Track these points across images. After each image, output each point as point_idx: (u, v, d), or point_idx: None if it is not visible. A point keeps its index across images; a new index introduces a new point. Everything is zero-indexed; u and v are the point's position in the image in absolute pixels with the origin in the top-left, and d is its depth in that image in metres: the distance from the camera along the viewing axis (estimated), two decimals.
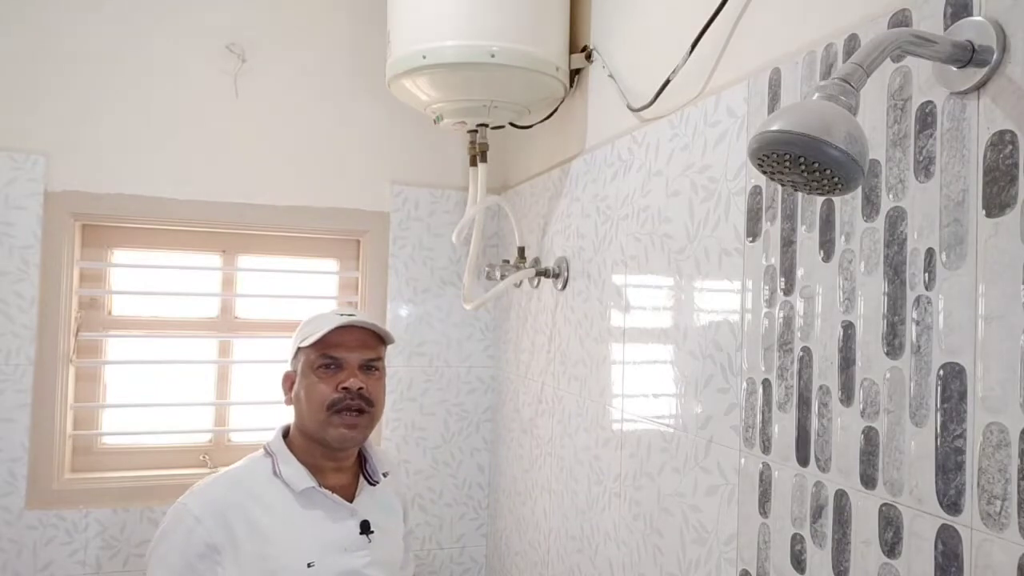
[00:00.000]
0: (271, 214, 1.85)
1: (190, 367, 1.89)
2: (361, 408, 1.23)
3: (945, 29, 0.66)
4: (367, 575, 1.23)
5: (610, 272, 1.31)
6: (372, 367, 1.27)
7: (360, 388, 1.22)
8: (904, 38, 0.61)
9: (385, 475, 1.32)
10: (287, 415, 1.29)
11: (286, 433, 1.29)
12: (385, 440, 1.91)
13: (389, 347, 1.33)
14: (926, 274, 0.68)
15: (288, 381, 1.30)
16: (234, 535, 1.15)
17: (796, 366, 0.84)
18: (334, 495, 1.23)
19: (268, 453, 1.25)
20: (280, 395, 1.30)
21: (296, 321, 1.94)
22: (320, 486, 1.21)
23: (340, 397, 1.21)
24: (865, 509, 0.73)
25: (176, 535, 1.16)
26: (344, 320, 1.25)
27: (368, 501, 1.28)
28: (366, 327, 1.27)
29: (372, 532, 1.25)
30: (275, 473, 1.22)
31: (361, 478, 1.30)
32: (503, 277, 1.61)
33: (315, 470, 1.23)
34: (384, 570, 1.27)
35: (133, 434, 1.84)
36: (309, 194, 1.88)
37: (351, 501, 1.25)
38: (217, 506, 1.17)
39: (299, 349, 1.26)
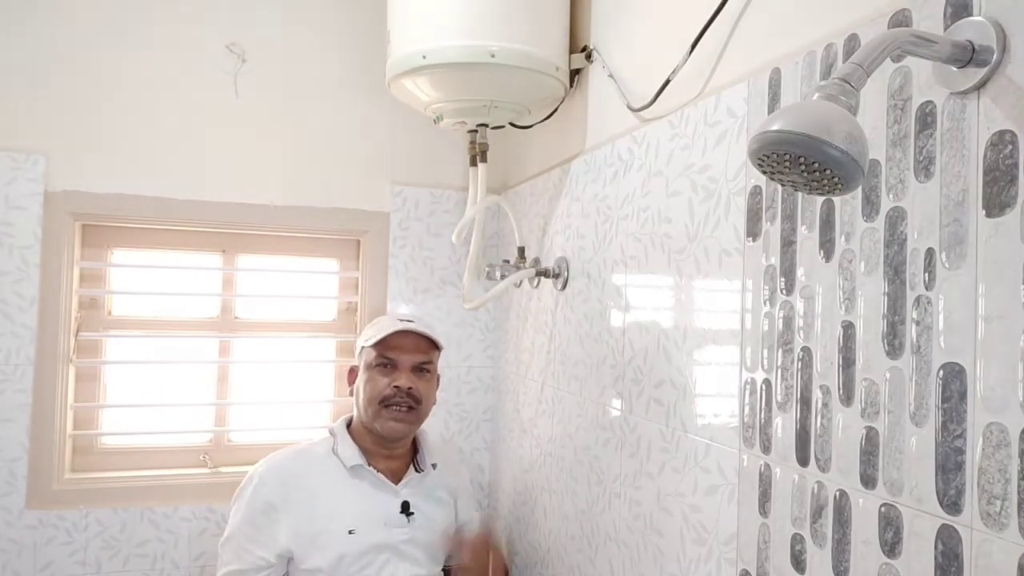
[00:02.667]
0: (271, 214, 1.85)
1: (190, 367, 1.89)
2: (410, 405, 1.39)
3: (945, 29, 0.66)
4: (403, 551, 1.38)
5: (610, 272, 1.31)
6: (424, 369, 1.44)
7: (410, 388, 1.39)
8: (904, 38, 0.61)
9: (434, 466, 1.47)
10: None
11: (350, 422, 1.48)
12: None
13: None
14: (926, 274, 0.68)
15: (351, 375, 1.50)
16: (289, 497, 1.35)
17: (796, 366, 0.84)
18: (380, 474, 1.40)
19: (331, 434, 1.45)
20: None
21: (296, 322, 1.97)
22: (368, 465, 1.40)
23: (392, 393, 1.39)
24: (865, 509, 0.73)
25: (245, 493, 1.37)
26: (403, 326, 1.42)
27: (414, 486, 1.44)
28: (421, 333, 1.43)
29: (412, 513, 1.40)
30: (333, 451, 1.41)
31: (411, 466, 1.47)
32: (503, 277, 1.61)
33: (368, 454, 1.41)
34: (422, 550, 1.40)
35: (133, 434, 1.84)
36: (309, 194, 1.88)
37: (398, 484, 1.42)
38: (279, 472, 1.38)
39: (362, 348, 1.44)
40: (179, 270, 1.88)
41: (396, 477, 1.43)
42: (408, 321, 1.44)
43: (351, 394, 1.46)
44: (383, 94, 1.64)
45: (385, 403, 1.38)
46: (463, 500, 1.56)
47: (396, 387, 1.38)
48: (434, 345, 1.46)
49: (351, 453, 1.39)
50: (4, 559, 1.64)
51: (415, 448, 1.49)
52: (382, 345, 1.40)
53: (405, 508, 1.39)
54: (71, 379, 1.76)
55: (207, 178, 1.80)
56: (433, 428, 1.94)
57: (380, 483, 1.40)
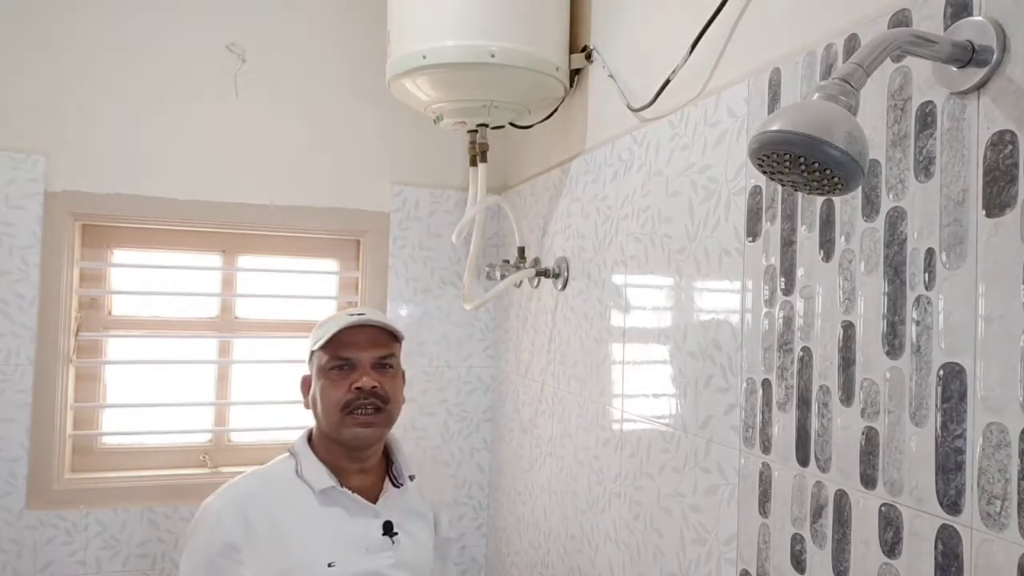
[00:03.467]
0: (271, 214, 1.85)
1: (190, 367, 1.89)
2: (376, 406, 1.22)
3: (945, 29, 0.66)
4: None
5: (610, 272, 1.31)
6: (386, 364, 1.26)
7: (373, 387, 1.21)
8: (904, 38, 0.61)
9: (411, 478, 1.30)
10: (304, 418, 1.33)
11: (311, 436, 1.29)
12: None
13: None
14: (926, 274, 0.68)
15: (305, 385, 1.30)
16: (254, 533, 1.16)
17: (796, 366, 0.84)
18: (355, 495, 1.22)
19: (292, 454, 1.26)
20: (297, 397, 1.32)
21: (296, 322, 1.97)
22: (341, 486, 1.21)
23: (353, 397, 1.21)
24: (865, 509, 0.73)
25: (200, 534, 1.18)
26: (352, 320, 1.24)
27: (393, 503, 1.26)
28: (376, 325, 1.26)
29: (396, 533, 1.23)
30: (297, 473, 1.22)
31: (386, 480, 1.28)
32: (503, 277, 1.61)
33: (338, 471, 1.23)
34: (410, 572, 1.25)
35: (133, 434, 1.84)
36: (309, 194, 1.88)
37: (375, 503, 1.24)
38: (238, 505, 1.18)
39: (312, 352, 1.26)
40: (179, 270, 1.88)
41: (372, 495, 1.25)
42: (359, 314, 1.26)
43: (308, 406, 1.29)
44: (383, 94, 1.64)
45: (348, 409, 1.21)
46: (445, 516, 1.41)
47: (358, 388, 1.21)
48: (393, 336, 1.28)
49: (319, 474, 1.21)
50: (4, 559, 1.64)
51: (388, 459, 1.31)
52: (334, 345, 1.22)
53: (388, 529, 1.23)
54: (71, 379, 1.76)
55: (207, 178, 1.80)
56: (433, 428, 1.95)
57: (356, 505, 1.22)
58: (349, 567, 1.18)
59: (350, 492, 1.22)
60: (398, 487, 1.27)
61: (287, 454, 1.27)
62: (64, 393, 1.72)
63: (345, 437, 1.21)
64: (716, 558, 0.97)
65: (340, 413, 1.21)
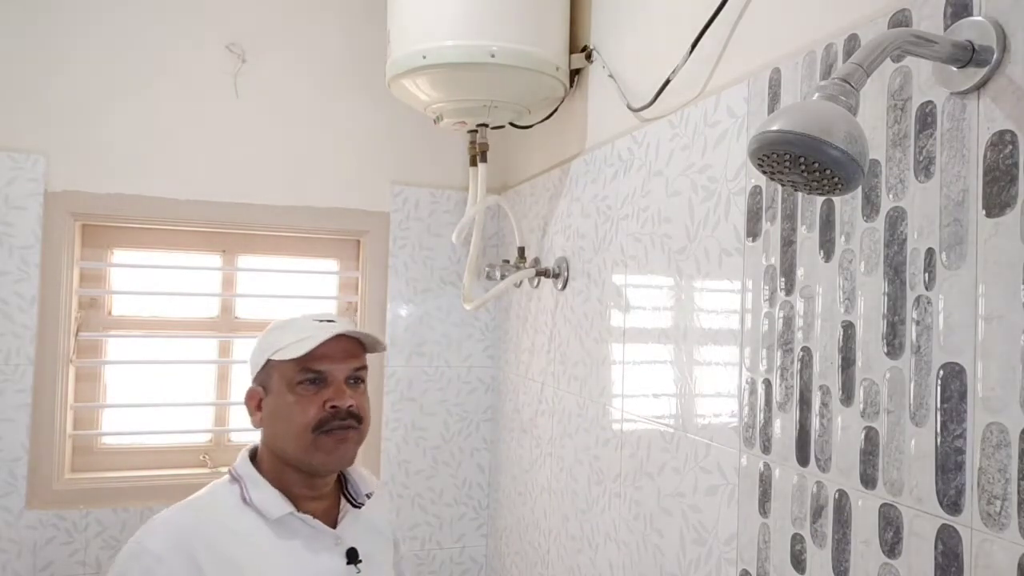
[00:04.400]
0: (271, 214, 1.85)
1: (190, 367, 1.89)
2: (350, 426, 1.08)
3: (945, 29, 0.66)
4: None
5: (610, 272, 1.31)
6: (359, 379, 1.12)
7: (350, 405, 1.07)
8: (904, 38, 0.61)
9: (369, 496, 1.16)
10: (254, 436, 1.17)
11: (254, 455, 1.13)
12: (385, 440, 1.91)
13: (389, 347, 1.27)
14: (926, 274, 0.68)
15: (255, 400, 1.12)
16: (200, 574, 0.99)
17: (796, 366, 0.84)
18: (316, 521, 1.07)
19: (235, 478, 1.09)
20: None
21: None
22: (299, 511, 1.06)
23: (328, 416, 1.06)
24: (865, 509, 0.73)
25: None
26: (332, 328, 1.09)
27: (353, 526, 1.12)
28: (352, 335, 1.12)
29: (360, 561, 1.10)
30: (245, 500, 1.06)
31: (343, 501, 1.15)
32: (503, 277, 1.61)
33: (294, 498, 1.07)
34: None
35: (133, 434, 1.84)
36: (309, 194, 1.88)
37: (334, 527, 1.10)
38: (180, 542, 1.01)
39: (269, 362, 1.09)
40: (179, 270, 1.88)
41: (330, 518, 1.11)
42: (327, 320, 1.12)
43: (258, 424, 1.12)
44: (383, 94, 1.64)
45: (322, 429, 1.06)
46: (398, 536, 1.29)
47: (334, 408, 1.06)
48: (363, 347, 1.15)
49: (271, 499, 1.05)
50: (4, 559, 1.64)
51: (342, 478, 1.16)
52: (308, 357, 1.06)
53: (352, 557, 1.09)
54: (71, 379, 1.76)
55: (207, 178, 1.80)
56: (433, 428, 1.95)
57: (316, 533, 1.07)
58: None
59: (309, 518, 1.07)
60: (357, 507, 1.14)
61: (226, 478, 1.10)
62: (64, 393, 1.72)
63: (315, 462, 1.06)
64: (716, 558, 0.97)
65: (312, 434, 1.05)
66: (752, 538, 0.90)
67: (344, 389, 1.09)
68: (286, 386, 1.07)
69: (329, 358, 1.08)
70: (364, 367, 1.14)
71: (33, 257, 1.67)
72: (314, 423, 1.06)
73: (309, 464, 1.06)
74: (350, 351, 1.12)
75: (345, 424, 1.07)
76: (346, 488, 1.16)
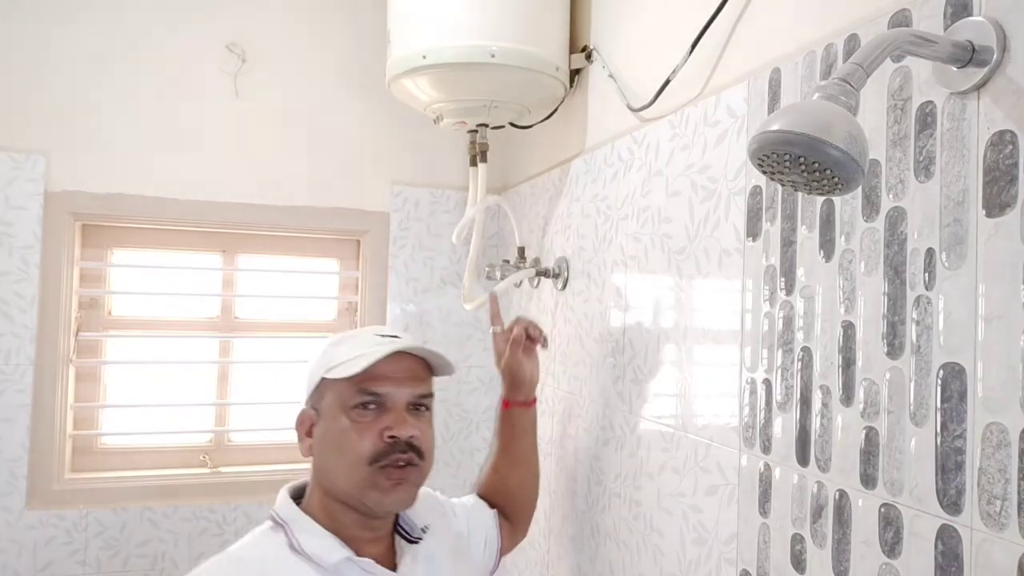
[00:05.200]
0: (271, 214, 1.85)
1: (190, 367, 1.89)
2: (411, 461, 0.94)
3: (945, 29, 0.66)
4: None
5: (610, 272, 1.31)
6: (422, 406, 0.99)
7: (411, 436, 0.94)
8: (904, 38, 0.61)
9: (425, 530, 1.03)
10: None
11: (297, 495, 1.00)
12: None
13: None
14: (926, 274, 0.68)
15: (306, 424, 0.99)
16: None
17: (796, 366, 0.84)
18: (378, 567, 0.94)
19: (278, 523, 0.96)
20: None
21: (296, 322, 1.97)
22: (357, 555, 0.93)
23: (386, 448, 0.93)
24: (865, 509, 0.73)
25: None
26: (394, 344, 0.95)
27: (414, 566, 0.98)
28: (417, 354, 0.98)
29: None
30: (294, 548, 0.92)
31: (397, 538, 1.01)
32: (503, 277, 1.61)
33: (350, 540, 0.94)
34: None
35: (133, 434, 1.84)
36: (309, 194, 1.88)
37: (395, 570, 0.97)
38: None
39: (323, 380, 0.96)
40: (179, 270, 1.88)
41: (387, 560, 0.98)
42: (391, 336, 0.99)
43: (307, 452, 0.99)
44: (383, 94, 1.64)
45: (379, 464, 0.92)
46: (475, 527, 1.18)
47: (393, 438, 0.93)
48: (430, 369, 1.02)
49: (325, 545, 0.92)
50: (4, 559, 1.64)
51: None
52: (364, 376, 0.93)
53: None
54: (71, 379, 1.76)
55: (207, 178, 1.80)
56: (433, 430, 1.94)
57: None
58: None
59: (371, 563, 0.93)
60: (414, 542, 1.01)
61: (267, 525, 0.98)
62: (64, 393, 1.72)
63: (371, 501, 0.93)
64: (716, 558, 0.97)
65: (367, 468, 0.92)
66: (752, 538, 0.90)
67: (405, 417, 0.95)
68: (339, 409, 0.94)
69: (389, 379, 0.95)
70: (430, 394, 1.01)
71: (33, 257, 1.67)
72: (370, 455, 0.92)
73: (361, 502, 0.93)
74: (414, 373, 0.98)
75: (405, 459, 0.93)
76: (398, 522, 1.02)
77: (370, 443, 0.93)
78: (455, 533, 1.13)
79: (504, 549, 1.24)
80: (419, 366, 1.00)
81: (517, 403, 1.27)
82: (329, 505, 0.96)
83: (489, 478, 1.27)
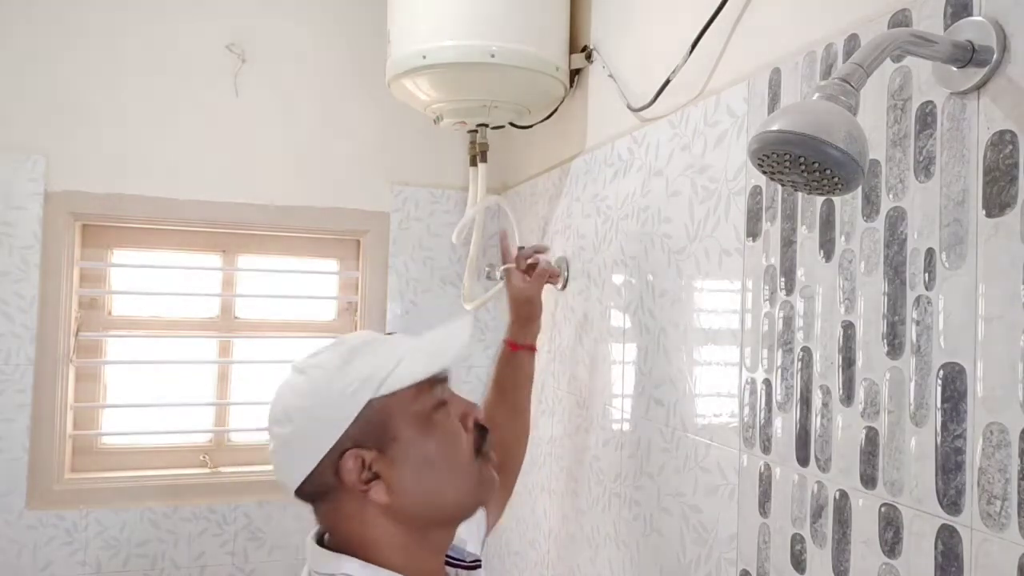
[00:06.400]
0: (271, 214, 1.85)
1: (190, 367, 1.89)
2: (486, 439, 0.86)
3: (945, 29, 0.66)
4: None
5: (610, 272, 1.31)
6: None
7: (480, 415, 0.85)
8: (904, 38, 0.61)
9: (478, 563, 0.91)
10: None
11: (362, 548, 0.77)
12: None
13: None
14: (926, 274, 0.68)
15: (359, 470, 0.75)
16: None
17: (796, 366, 0.84)
18: None
19: None
20: None
21: (296, 322, 1.96)
22: None
23: (477, 437, 0.82)
24: (865, 509, 0.73)
25: None
26: (464, 326, 0.83)
27: None
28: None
29: None
30: None
31: (453, 570, 0.88)
32: (503, 277, 1.61)
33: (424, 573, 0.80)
34: None
35: (133, 434, 1.84)
36: (309, 194, 1.88)
37: None
38: None
39: (371, 404, 0.75)
40: (179, 270, 1.88)
41: None
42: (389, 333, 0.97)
43: (385, 497, 0.76)
44: (383, 94, 1.64)
45: (480, 451, 0.82)
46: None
47: (480, 425, 0.83)
48: None
49: None
50: (4, 559, 1.64)
51: None
52: (431, 382, 0.79)
53: None
54: (71, 379, 1.76)
55: (207, 178, 1.81)
56: None
57: None
58: None
59: None
60: (471, 567, 0.90)
61: None
62: (64, 393, 1.72)
63: (483, 494, 0.83)
64: (716, 558, 0.97)
65: (474, 464, 0.81)
66: (752, 538, 0.90)
67: (462, 398, 0.84)
68: (422, 420, 0.77)
69: (438, 378, 0.82)
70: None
71: (33, 257, 1.67)
72: (471, 449, 0.81)
73: (477, 501, 0.83)
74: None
75: (488, 440, 0.84)
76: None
77: (465, 439, 0.81)
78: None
79: (491, 523, 1.14)
80: None
81: (524, 346, 1.26)
82: (409, 543, 0.78)
83: None
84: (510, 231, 1.61)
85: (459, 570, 0.87)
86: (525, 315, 1.27)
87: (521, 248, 1.31)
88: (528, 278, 1.28)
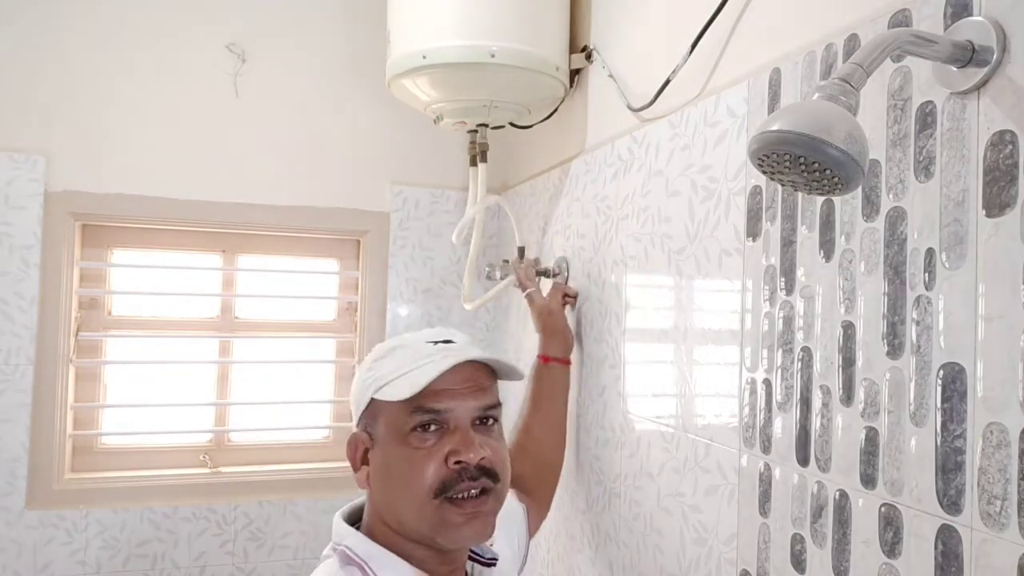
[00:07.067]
0: (271, 214, 1.85)
1: (190, 367, 1.89)
2: (485, 487, 0.81)
3: (945, 29, 0.66)
4: None
5: (610, 272, 1.31)
6: (489, 418, 0.85)
7: (482, 459, 0.81)
8: (904, 38, 0.61)
9: (491, 545, 0.94)
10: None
11: (353, 520, 0.88)
12: None
13: None
14: (926, 274, 0.68)
15: (359, 449, 0.86)
16: None
17: (796, 366, 0.84)
18: None
19: (351, 559, 0.81)
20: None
21: (296, 322, 1.97)
22: None
23: (454, 476, 0.80)
24: (865, 509, 0.73)
25: None
26: (450, 355, 0.82)
27: None
28: (477, 360, 0.85)
29: None
30: None
31: (470, 563, 0.91)
32: (503, 277, 1.61)
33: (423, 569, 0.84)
34: None
35: (133, 434, 1.84)
36: (309, 194, 1.88)
37: None
38: None
39: (373, 402, 0.84)
40: (179, 270, 1.88)
41: None
42: (444, 341, 0.87)
43: (364, 482, 0.86)
44: (383, 94, 1.64)
45: (446, 492, 0.80)
46: (509, 526, 1.07)
47: (460, 463, 0.80)
48: (494, 374, 0.88)
49: None
50: (4, 559, 1.64)
51: None
52: (420, 394, 0.80)
53: None
54: (71, 379, 1.76)
55: (207, 178, 1.80)
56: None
57: None
58: None
59: None
60: (490, 564, 0.92)
61: (334, 562, 0.82)
62: (64, 393, 1.72)
63: (440, 540, 0.81)
64: (716, 558, 0.97)
65: (432, 500, 0.80)
66: (752, 538, 0.90)
67: (472, 436, 0.81)
68: (395, 437, 0.82)
69: (449, 393, 0.81)
70: (497, 404, 0.87)
71: (33, 257, 1.67)
72: (436, 486, 0.80)
73: (433, 540, 0.81)
74: (477, 382, 0.84)
75: (476, 486, 0.80)
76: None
77: (434, 471, 0.79)
78: (499, 539, 1.02)
79: (531, 532, 1.16)
80: (481, 373, 0.85)
81: (556, 358, 1.33)
82: (396, 541, 0.83)
83: (519, 439, 1.24)
84: (510, 231, 1.62)
85: (477, 565, 0.91)
86: (550, 327, 1.34)
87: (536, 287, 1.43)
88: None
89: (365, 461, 0.86)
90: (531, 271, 1.47)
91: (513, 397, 1.52)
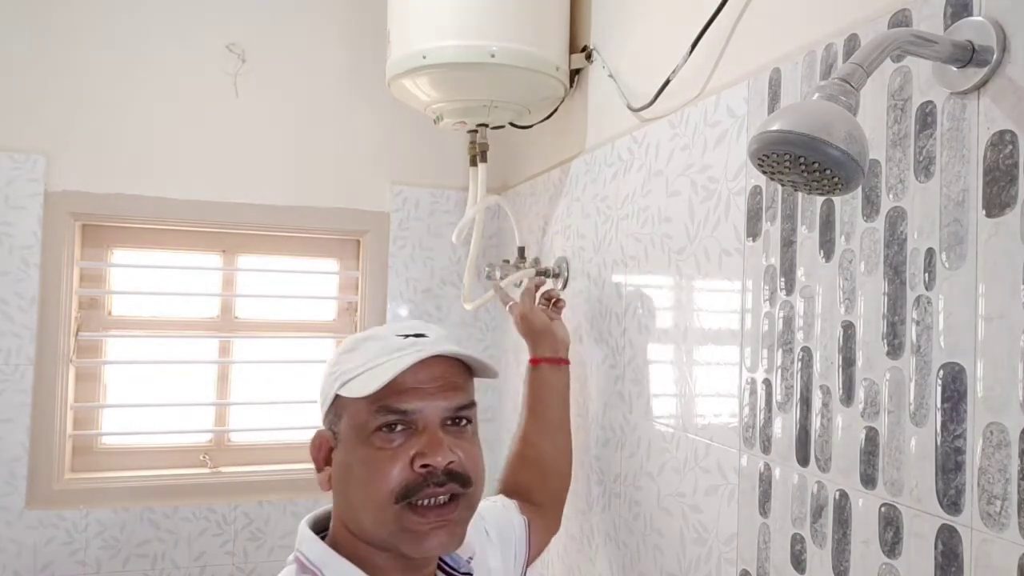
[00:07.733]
0: (271, 214, 1.85)
1: (190, 367, 1.89)
2: (454, 492, 0.77)
3: (945, 29, 0.66)
4: None
5: (610, 272, 1.31)
6: (462, 419, 0.81)
7: (450, 463, 0.77)
8: (904, 38, 0.61)
9: (470, 560, 0.89)
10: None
11: (320, 528, 0.83)
12: None
13: None
14: (926, 274, 0.68)
15: (323, 449, 0.82)
16: None
17: (796, 366, 0.84)
18: None
19: (306, 567, 0.78)
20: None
21: (296, 322, 1.97)
22: None
23: (418, 481, 0.75)
24: (865, 509, 0.73)
25: None
26: (417, 350, 0.77)
27: None
28: (448, 355, 0.80)
29: None
30: None
31: (437, 572, 0.86)
32: (503, 277, 1.61)
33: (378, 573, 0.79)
34: None
35: (133, 434, 1.84)
36: (309, 194, 1.88)
37: None
38: None
39: (338, 398, 0.80)
40: (179, 270, 1.88)
41: None
42: (416, 334, 0.82)
43: (327, 483, 0.82)
44: (383, 94, 1.64)
45: (408, 500, 0.75)
46: (504, 539, 1.04)
47: (425, 467, 0.76)
48: (469, 371, 0.84)
49: None
50: (4, 559, 1.64)
51: None
52: (385, 391, 0.76)
53: None
54: (71, 379, 1.76)
55: (207, 178, 1.80)
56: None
57: None
58: None
59: None
60: (463, 572, 0.87)
61: (292, 568, 0.79)
62: (64, 393, 1.72)
63: (405, 547, 0.76)
64: (716, 558, 0.97)
65: (394, 505, 0.75)
66: (752, 538, 0.90)
67: (440, 437, 0.77)
68: (356, 436, 0.77)
69: (417, 391, 0.77)
70: (470, 403, 0.82)
71: (33, 257, 1.67)
72: (398, 490, 0.75)
73: (395, 548, 0.77)
74: (449, 380, 0.79)
75: (443, 491, 0.76)
76: (441, 556, 0.85)
77: (398, 474, 0.75)
78: (492, 554, 0.99)
79: (533, 556, 1.09)
80: (454, 369, 0.81)
81: (544, 359, 1.25)
82: (358, 547, 0.78)
83: (518, 447, 1.17)
84: (510, 231, 1.62)
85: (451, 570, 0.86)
86: (530, 329, 1.29)
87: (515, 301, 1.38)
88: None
89: (329, 461, 0.81)
90: (510, 288, 1.46)
91: (512, 400, 1.52)
